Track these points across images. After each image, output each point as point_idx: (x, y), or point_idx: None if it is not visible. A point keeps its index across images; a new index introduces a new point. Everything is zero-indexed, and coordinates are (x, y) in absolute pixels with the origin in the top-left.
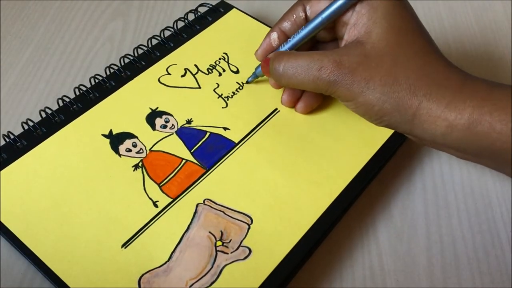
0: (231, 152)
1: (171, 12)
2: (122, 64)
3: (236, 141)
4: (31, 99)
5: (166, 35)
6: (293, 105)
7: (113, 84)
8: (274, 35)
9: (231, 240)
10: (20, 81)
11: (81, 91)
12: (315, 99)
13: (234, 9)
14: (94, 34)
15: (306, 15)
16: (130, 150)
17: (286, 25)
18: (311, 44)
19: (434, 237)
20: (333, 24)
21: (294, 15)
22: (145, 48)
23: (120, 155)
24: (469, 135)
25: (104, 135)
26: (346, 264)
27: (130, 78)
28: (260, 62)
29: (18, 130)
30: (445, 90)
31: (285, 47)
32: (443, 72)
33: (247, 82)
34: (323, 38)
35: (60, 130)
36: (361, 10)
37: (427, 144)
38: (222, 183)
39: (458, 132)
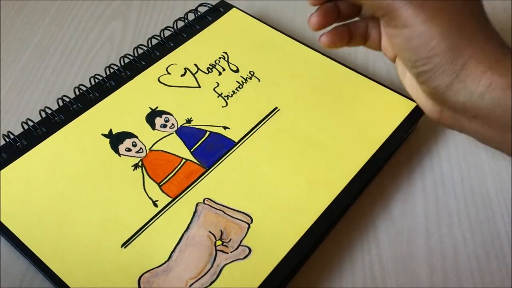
0: (231, 151)
1: (171, 12)
2: (122, 64)
3: (236, 140)
4: (31, 99)
5: (166, 35)
6: (320, 28)
7: (113, 84)
8: None
9: (231, 239)
10: (20, 81)
11: (81, 91)
12: (342, 38)
13: (234, 8)
14: (94, 34)
15: None
16: (130, 150)
17: None
18: (365, 25)
19: (434, 237)
20: None
21: None
22: (145, 48)
23: (119, 154)
24: (505, 98)
25: (104, 135)
26: (346, 264)
27: (130, 78)
28: None
29: (18, 130)
30: (494, 48)
31: None
32: (497, 36)
33: None
34: (345, 12)
35: (60, 130)
36: None
37: (448, 116)
38: (222, 182)
39: (496, 92)
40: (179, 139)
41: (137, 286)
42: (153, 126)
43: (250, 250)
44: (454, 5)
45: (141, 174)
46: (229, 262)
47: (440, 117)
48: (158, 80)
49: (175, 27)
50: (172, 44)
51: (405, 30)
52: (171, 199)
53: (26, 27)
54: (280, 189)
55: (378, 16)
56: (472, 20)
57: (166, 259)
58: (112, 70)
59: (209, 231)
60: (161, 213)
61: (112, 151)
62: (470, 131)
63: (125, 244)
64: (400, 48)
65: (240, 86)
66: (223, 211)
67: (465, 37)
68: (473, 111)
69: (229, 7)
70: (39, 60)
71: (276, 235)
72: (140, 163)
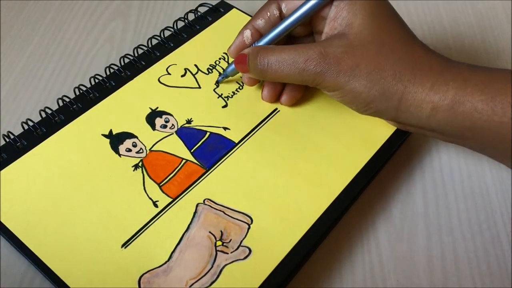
0: (231, 152)
1: (171, 12)
2: (122, 64)
3: (236, 141)
4: (31, 99)
5: (166, 35)
6: (274, 99)
7: (113, 84)
8: (248, 33)
9: (231, 240)
10: (20, 81)
11: (81, 91)
12: (298, 91)
13: (234, 9)
14: (94, 34)
15: (281, 13)
16: (130, 150)
17: (260, 22)
18: (285, 40)
19: (434, 237)
20: (309, 19)
21: (268, 13)
22: (145, 48)
23: (120, 155)
24: (453, 116)
25: (104, 135)
26: (346, 264)
27: (130, 78)
28: (231, 62)
29: (18, 130)
30: (428, 74)
31: (260, 43)
32: (425, 57)
33: (217, 83)
34: (297, 33)
35: (60, 130)
36: (340, 4)
37: (411, 130)
38: (222, 183)
39: (443, 113)
40: (179, 139)
41: (137, 286)
42: (153, 126)
43: (250, 250)
44: (369, 52)
45: (141, 174)
46: (229, 263)
47: (405, 129)
48: (158, 80)
49: (175, 27)
50: (172, 44)
51: (336, 92)
52: (171, 199)
53: (26, 27)
54: (280, 189)
55: (311, 86)
56: (392, 55)
57: (166, 259)
58: (112, 70)
59: (209, 232)
60: (161, 213)
61: (112, 151)
62: (433, 137)
63: (125, 244)
64: (342, 103)
65: (240, 87)
66: (223, 212)
67: (391, 79)
68: (427, 128)
69: (229, 7)
70: (39, 60)
71: (276, 236)
72: (140, 164)
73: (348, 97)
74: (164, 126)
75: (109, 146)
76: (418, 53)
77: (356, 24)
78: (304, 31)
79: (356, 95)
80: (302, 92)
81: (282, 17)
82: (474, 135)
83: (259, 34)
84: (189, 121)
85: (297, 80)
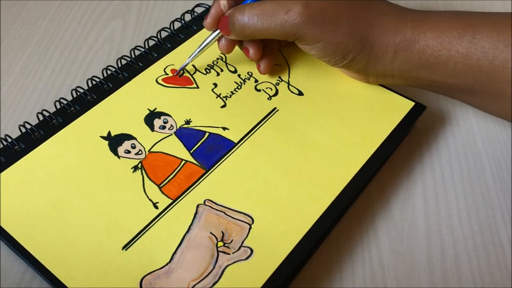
0: (230, 152)
1: (171, 12)
2: (120, 65)
3: (236, 141)
4: (29, 102)
5: (163, 36)
6: (259, 57)
7: (111, 85)
8: (224, 2)
9: (232, 240)
10: (18, 84)
11: (78, 93)
12: (272, 56)
13: None
14: (94, 34)
15: None
16: (129, 152)
17: None
18: None
19: (434, 237)
20: None
21: None
22: (142, 50)
23: (119, 156)
24: (410, 54)
25: (102, 137)
26: (346, 264)
27: (128, 79)
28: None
29: (16, 133)
30: (390, 19)
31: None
32: (386, 6)
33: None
34: None
35: (58, 133)
36: None
37: (373, 81)
38: (222, 183)
39: (402, 53)
40: (178, 140)
41: None
42: (152, 127)
43: (252, 250)
44: (345, 4)
45: (141, 176)
46: (231, 263)
47: (367, 81)
48: (156, 81)
49: (172, 28)
50: (169, 45)
51: (318, 44)
52: (171, 200)
53: (26, 27)
54: (280, 189)
55: (290, 40)
56: (363, 6)
57: (168, 261)
58: (109, 72)
59: (210, 232)
60: (161, 215)
61: (111, 153)
62: (394, 84)
63: (126, 247)
64: (319, 56)
65: (239, 87)
66: (224, 212)
67: (365, 28)
68: (390, 73)
69: None
70: (37, 62)
71: (278, 236)
72: (139, 165)
73: (330, 47)
74: (163, 127)
75: (107, 148)
76: (379, 4)
77: None
78: None
79: (338, 44)
80: (275, 57)
81: None
82: (429, 71)
83: (234, 2)
84: (188, 122)
85: (277, 33)
